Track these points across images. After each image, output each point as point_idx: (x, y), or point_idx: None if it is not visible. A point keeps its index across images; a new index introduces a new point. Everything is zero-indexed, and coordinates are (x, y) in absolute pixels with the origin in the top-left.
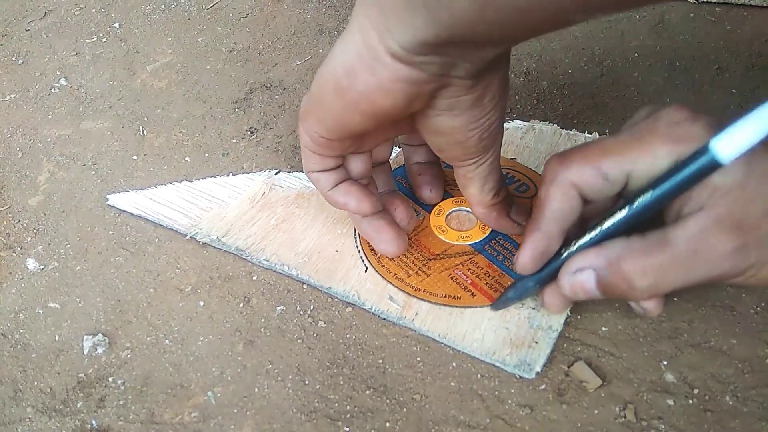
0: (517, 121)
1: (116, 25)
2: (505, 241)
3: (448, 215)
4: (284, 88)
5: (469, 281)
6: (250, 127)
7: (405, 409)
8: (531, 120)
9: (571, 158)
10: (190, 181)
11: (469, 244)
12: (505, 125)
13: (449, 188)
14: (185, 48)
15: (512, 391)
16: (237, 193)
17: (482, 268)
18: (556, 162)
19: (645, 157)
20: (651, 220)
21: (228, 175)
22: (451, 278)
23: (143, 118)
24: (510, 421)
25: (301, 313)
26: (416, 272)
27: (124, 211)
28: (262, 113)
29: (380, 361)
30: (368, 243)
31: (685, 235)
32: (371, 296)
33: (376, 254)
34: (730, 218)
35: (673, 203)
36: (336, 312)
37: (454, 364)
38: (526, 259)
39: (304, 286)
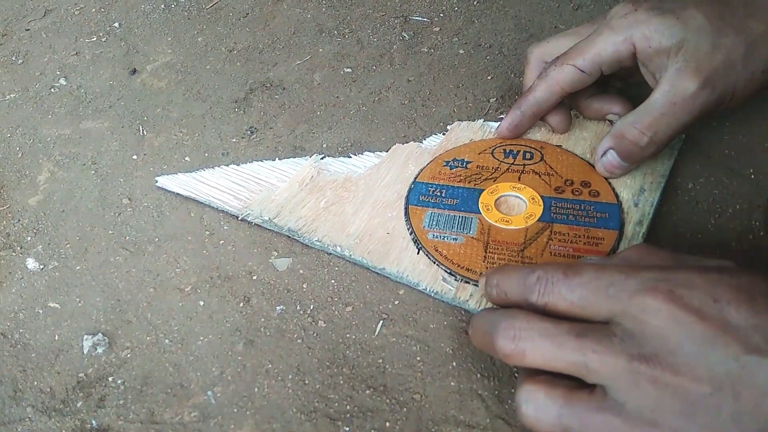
0: None
1: (116, 24)
2: (562, 204)
3: (497, 200)
4: (284, 88)
5: (570, 249)
6: (250, 127)
7: (405, 409)
8: (572, 109)
9: (554, 56)
10: (237, 165)
11: (539, 221)
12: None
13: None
14: (185, 48)
15: (512, 390)
16: (285, 176)
17: (568, 233)
18: (540, 55)
19: (607, 47)
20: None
21: (274, 159)
22: (553, 254)
23: (143, 117)
24: (510, 420)
25: (301, 312)
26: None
27: (173, 192)
28: (261, 113)
29: (380, 360)
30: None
31: (660, 93)
32: (425, 277)
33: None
34: (687, 65)
35: (650, 72)
36: (336, 312)
37: (454, 363)
38: (504, 126)
39: (304, 286)
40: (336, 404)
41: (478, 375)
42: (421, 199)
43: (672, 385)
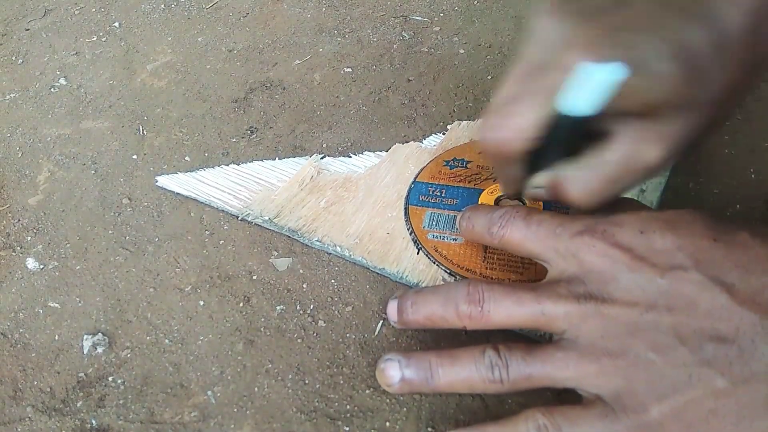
0: None
1: (116, 24)
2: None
3: (497, 200)
4: (284, 88)
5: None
6: (250, 127)
7: (405, 409)
8: None
9: None
10: (237, 165)
11: None
12: None
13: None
14: (185, 47)
15: None
16: (285, 176)
17: None
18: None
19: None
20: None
21: (274, 159)
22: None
23: (143, 117)
24: None
25: (301, 312)
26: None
27: (173, 192)
28: (261, 113)
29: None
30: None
31: (615, 154)
32: (425, 278)
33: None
34: (648, 128)
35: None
36: (336, 311)
37: None
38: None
39: (304, 286)
40: (336, 404)
41: None
42: (421, 199)
43: (613, 314)
